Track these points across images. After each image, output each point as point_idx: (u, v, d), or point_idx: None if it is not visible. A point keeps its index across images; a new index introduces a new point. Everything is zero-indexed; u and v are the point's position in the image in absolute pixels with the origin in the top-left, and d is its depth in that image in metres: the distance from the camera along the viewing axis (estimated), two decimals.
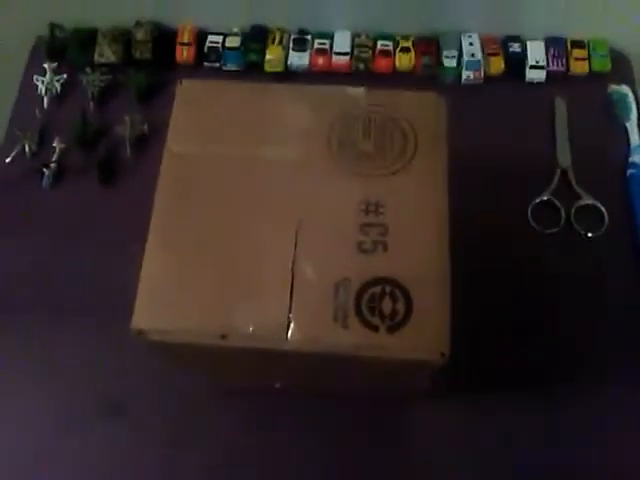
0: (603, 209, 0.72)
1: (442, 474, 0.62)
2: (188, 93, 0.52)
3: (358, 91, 0.51)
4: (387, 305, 0.43)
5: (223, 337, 0.43)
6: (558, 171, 0.75)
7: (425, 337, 0.42)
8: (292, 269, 0.44)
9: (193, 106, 0.51)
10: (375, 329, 0.42)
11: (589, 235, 0.71)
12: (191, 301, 0.44)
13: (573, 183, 0.74)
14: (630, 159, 0.75)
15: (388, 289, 0.43)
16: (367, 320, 0.43)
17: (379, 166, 0.48)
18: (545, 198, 0.73)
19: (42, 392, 0.66)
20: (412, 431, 0.64)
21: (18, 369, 0.68)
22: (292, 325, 0.43)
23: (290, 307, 0.43)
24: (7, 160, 0.78)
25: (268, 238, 0.45)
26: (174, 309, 0.44)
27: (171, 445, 0.64)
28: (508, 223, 0.72)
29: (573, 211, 0.72)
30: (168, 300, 0.44)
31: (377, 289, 0.43)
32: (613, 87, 0.79)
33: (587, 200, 0.73)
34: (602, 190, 0.74)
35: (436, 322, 0.43)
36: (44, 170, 0.77)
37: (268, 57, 0.82)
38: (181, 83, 0.53)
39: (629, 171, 0.74)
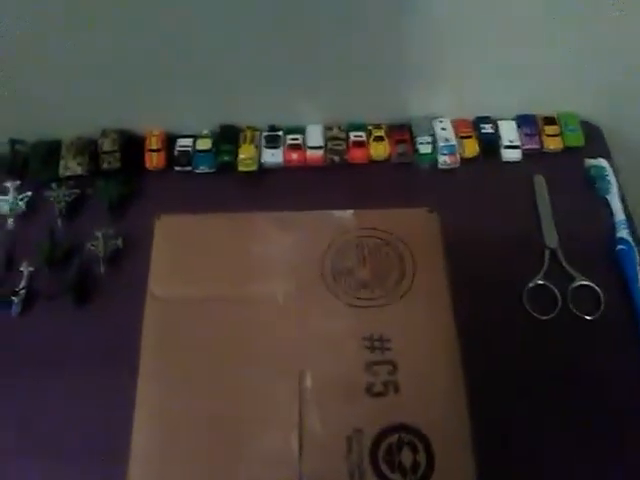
0: (598, 289, 0.71)
1: None
2: (167, 229, 0.49)
3: (347, 214, 0.49)
4: (407, 457, 0.39)
5: None
6: (547, 252, 0.74)
7: None
8: (299, 424, 0.40)
9: (173, 243, 0.48)
10: None
11: (588, 317, 0.70)
12: (187, 467, 0.40)
13: (564, 263, 0.73)
14: (618, 234, 0.74)
15: (406, 438, 0.40)
16: (386, 477, 0.39)
17: (379, 295, 0.45)
18: (539, 282, 0.71)
19: None
20: None
21: None
22: None
23: (300, 468, 0.39)
24: None
25: (269, 389, 0.42)
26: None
27: None
28: (503, 312, 0.70)
29: (569, 294, 0.71)
30: (162, 469, 0.40)
31: (393, 438, 0.40)
32: (590, 162, 0.79)
33: (580, 281, 0.71)
34: (593, 268, 0.72)
35: (462, 470, 0.39)
36: (12, 298, 0.72)
37: (241, 156, 0.81)
38: (159, 218, 0.50)
39: (618, 247, 0.73)
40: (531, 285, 0.71)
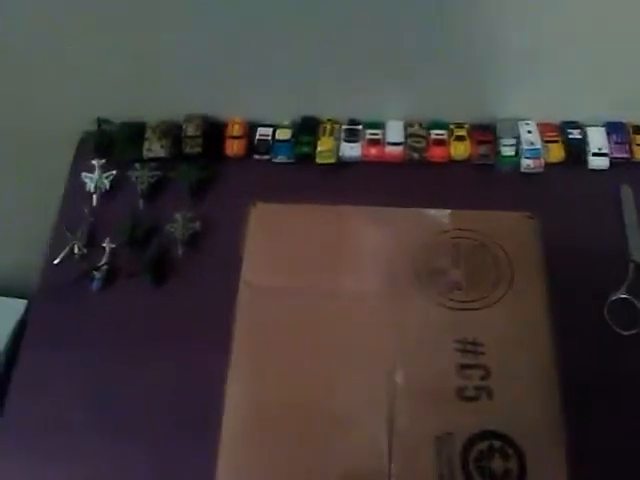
0: None
1: None
2: (263, 216, 0.50)
3: (442, 213, 0.48)
4: (498, 464, 0.39)
5: None
6: (632, 265, 0.71)
7: None
8: (389, 423, 0.40)
9: (267, 232, 0.49)
10: None
11: None
12: (277, 464, 0.41)
13: None
14: None
15: (497, 445, 0.39)
16: None
17: (472, 298, 0.44)
18: (621, 296, 0.69)
19: None
20: None
21: None
22: None
23: (389, 468, 0.39)
24: (55, 262, 0.76)
25: (358, 387, 0.42)
26: (259, 468, 0.40)
27: None
28: (584, 324, 0.67)
29: None
30: (252, 457, 0.41)
31: (484, 445, 0.39)
32: None
33: None
34: None
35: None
36: (94, 273, 0.74)
37: (320, 149, 0.81)
38: (255, 206, 0.50)
39: None
40: (613, 298, 0.69)
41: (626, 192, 0.76)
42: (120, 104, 0.84)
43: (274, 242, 0.47)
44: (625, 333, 0.67)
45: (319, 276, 0.45)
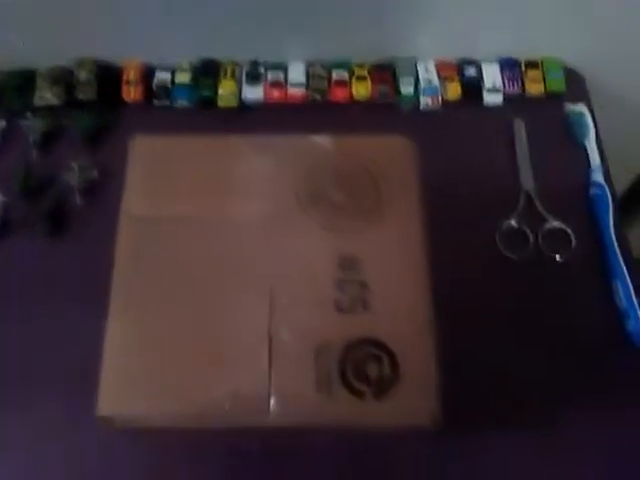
0: (570, 231, 0.72)
1: None
2: (143, 149, 0.49)
3: (324, 140, 0.49)
4: (372, 368, 0.41)
5: (199, 417, 0.40)
6: (522, 194, 0.75)
7: (414, 401, 0.40)
8: (269, 336, 0.41)
9: (149, 163, 0.48)
10: (361, 396, 0.40)
11: (557, 259, 0.71)
12: (161, 378, 0.41)
13: (538, 206, 0.74)
14: (592, 179, 0.75)
15: (372, 351, 0.41)
16: (352, 386, 0.40)
17: (352, 218, 0.45)
18: (512, 223, 0.72)
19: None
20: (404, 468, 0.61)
21: None
22: (273, 398, 0.40)
23: (270, 378, 0.40)
24: None
25: (240, 303, 0.42)
26: (143, 391, 0.41)
27: None
28: (477, 251, 0.71)
29: (540, 235, 0.72)
30: (136, 379, 0.41)
31: (360, 352, 0.41)
32: (570, 107, 0.80)
33: (553, 223, 0.72)
34: (567, 212, 0.73)
35: (424, 384, 0.41)
36: None
37: (221, 92, 0.79)
38: (134, 139, 0.49)
39: (592, 190, 0.74)
40: (504, 226, 0.72)
41: (518, 126, 0.80)
42: (7, 52, 0.79)
43: (155, 173, 0.47)
44: (515, 258, 0.71)
45: (202, 204, 0.45)
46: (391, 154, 0.47)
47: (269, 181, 0.46)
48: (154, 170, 0.47)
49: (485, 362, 0.63)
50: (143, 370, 0.41)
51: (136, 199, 0.46)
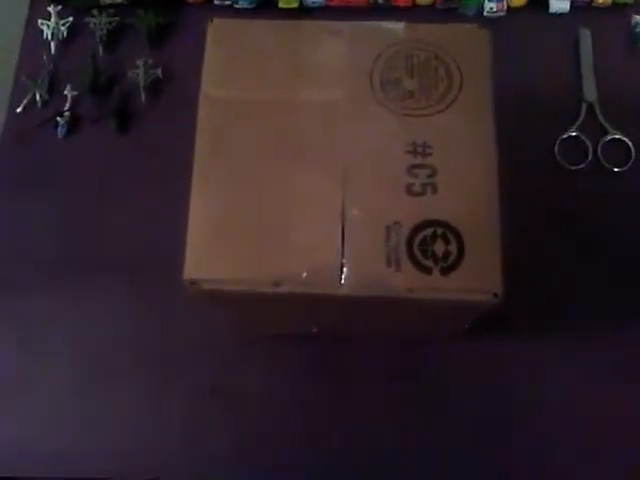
0: (630, 143, 0.71)
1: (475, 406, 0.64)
2: (219, 32, 0.50)
3: (397, 26, 0.49)
4: (439, 247, 0.43)
5: (276, 284, 0.43)
6: (584, 105, 0.74)
7: (478, 278, 0.43)
8: (342, 213, 0.43)
9: (225, 46, 0.49)
10: (428, 271, 0.42)
11: (616, 170, 0.71)
12: (241, 249, 0.44)
13: (599, 117, 0.73)
14: None
15: (440, 231, 0.43)
16: (420, 263, 0.42)
17: (424, 105, 0.46)
18: (572, 134, 0.72)
19: (76, 350, 0.66)
20: (446, 368, 0.65)
21: (52, 328, 0.67)
22: (345, 269, 0.42)
23: (342, 252, 0.43)
24: (18, 110, 0.76)
25: (314, 183, 0.44)
26: (225, 258, 0.44)
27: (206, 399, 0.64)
28: (534, 159, 0.71)
29: (600, 146, 0.72)
30: (218, 249, 0.44)
31: (428, 232, 0.43)
32: (637, 18, 0.77)
33: (614, 134, 0.72)
34: (628, 124, 0.73)
35: (489, 263, 0.43)
36: (58, 119, 0.74)
37: None
38: (212, 21, 0.50)
39: None
40: (564, 136, 0.72)
41: (584, 35, 0.77)
42: None
43: (232, 57, 0.48)
44: (573, 168, 0.71)
45: (277, 88, 0.46)
46: (466, 42, 0.47)
47: (341, 66, 0.47)
48: (230, 52, 0.48)
49: (545, 268, 0.65)
50: (224, 239, 0.44)
51: (213, 81, 0.47)
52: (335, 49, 0.48)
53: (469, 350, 0.64)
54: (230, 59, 0.48)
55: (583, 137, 0.72)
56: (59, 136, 0.74)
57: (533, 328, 0.65)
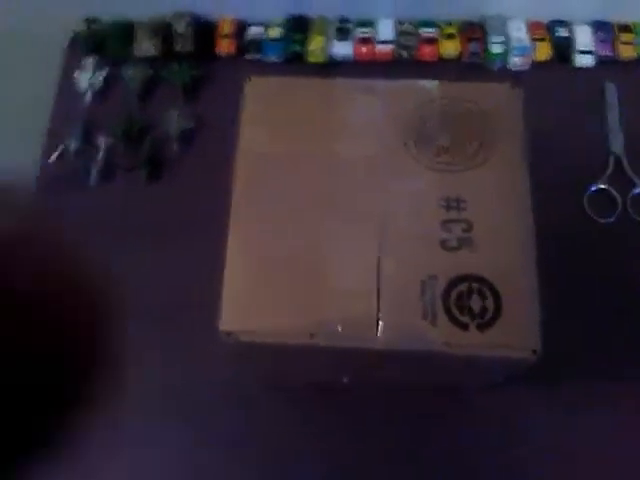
0: None
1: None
2: (256, 90, 0.51)
3: (431, 84, 0.50)
4: (476, 303, 0.42)
5: (312, 336, 0.42)
6: (612, 158, 0.74)
7: (516, 335, 0.42)
8: (377, 266, 0.43)
9: (262, 103, 0.50)
10: (465, 327, 0.42)
11: None
12: (277, 300, 0.44)
13: (627, 170, 0.73)
14: None
15: (476, 287, 0.43)
16: (456, 318, 0.42)
17: (457, 161, 0.47)
18: (601, 186, 0.72)
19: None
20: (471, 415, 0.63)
21: None
22: (381, 323, 0.42)
23: (378, 305, 0.43)
24: (50, 159, 0.78)
25: (351, 236, 0.45)
26: (261, 309, 0.44)
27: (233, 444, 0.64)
28: (564, 212, 0.71)
29: (629, 199, 0.71)
30: (254, 300, 0.44)
31: (464, 287, 0.43)
32: None
33: None
34: None
35: (526, 319, 0.42)
36: (91, 168, 0.76)
37: (311, 47, 0.81)
38: (249, 80, 0.52)
39: None
40: (593, 189, 0.72)
41: (610, 89, 0.78)
42: (108, 3, 0.83)
43: (268, 113, 0.49)
44: (602, 221, 0.71)
45: (313, 142, 0.47)
46: (498, 100, 0.48)
47: (376, 122, 0.48)
48: (267, 109, 0.49)
49: (576, 319, 0.64)
50: (260, 289, 0.44)
51: (251, 137, 0.48)
52: (369, 106, 0.49)
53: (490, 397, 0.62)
54: (267, 115, 0.50)
55: (611, 189, 0.72)
56: (91, 184, 0.76)
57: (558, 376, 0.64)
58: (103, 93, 0.82)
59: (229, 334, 0.43)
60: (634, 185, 0.72)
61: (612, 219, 0.71)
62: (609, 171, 0.73)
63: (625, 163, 0.74)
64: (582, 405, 0.63)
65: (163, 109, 0.79)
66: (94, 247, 0.71)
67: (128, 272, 0.70)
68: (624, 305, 0.67)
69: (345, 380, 0.60)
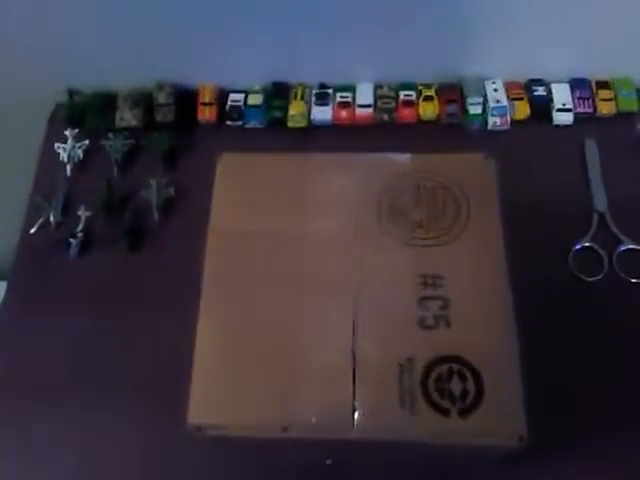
0: None
1: None
2: (229, 166, 0.51)
3: (404, 158, 0.50)
4: (456, 385, 0.41)
5: (284, 430, 0.41)
6: (595, 215, 0.74)
7: (500, 420, 0.40)
8: (353, 351, 0.42)
9: (235, 180, 0.50)
10: (446, 413, 0.40)
11: (633, 281, 0.69)
12: (248, 391, 0.42)
13: (612, 227, 0.72)
14: None
15: (456, 368, 0.41)
16: (436, 403, 0.40)
17: (433, 236, 0.46)
18: (586, 244, 0.71)
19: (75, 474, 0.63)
20: None
21: (50, 450, 0.65)
22: (357, 413, 0.40)
23: (354, 393, 0.41)
24: (31, 231, 0.77)
25: (324, 318, 0.43)
26: (232, 400, 0.42)
27: None
28: (549, 271, 0.70)
29: (615, 257, 0.70)
30: (224, 390, 0.42)
31: (443, 368, 0.41)
32: None
33: (628, 244, 0.71)
34: None
35: (510, 402, 0.41)
36: (71, 240, 0.75)
37: (291, 113, 0.82)
38: (221, 156, 0.52)
39: None
40: (578, 247, 0.71)
41: (590, 145, 0.79)
42: (90, 74, 0.84)
43: (241, 190, 0.49)
44: (589, 279, 0.70)
45: (286, 219, 0.47)
46: (471, 171, 0.48)
47: (350, 198, 0.47)
48: (240, 186, 0.49)
49: (562, 383, 0.62)
50: (230, 382, 0.42)
51: (222, 216, 0.48)
52: (343, 181, 0.49)
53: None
54: (238, 192, 0.49)
55: (597, 247, 0.71)
56: (71, 257, 0.75)
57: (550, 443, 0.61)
58: (84, 164, 0.82)
59: (198, 428, 0.41)
60: (619, 242, 0.71)
61: (599, 277, 0.70)
62: (593, 229, 0.73)
63: (609, 220, 0.73)
64: None
65: (144, 178, 0.79)
66: (71, 320, 0.69)
67: (105, 347, 0.69)
68: (614, 366, 0.65)
69: (329, 462, 0.58)
